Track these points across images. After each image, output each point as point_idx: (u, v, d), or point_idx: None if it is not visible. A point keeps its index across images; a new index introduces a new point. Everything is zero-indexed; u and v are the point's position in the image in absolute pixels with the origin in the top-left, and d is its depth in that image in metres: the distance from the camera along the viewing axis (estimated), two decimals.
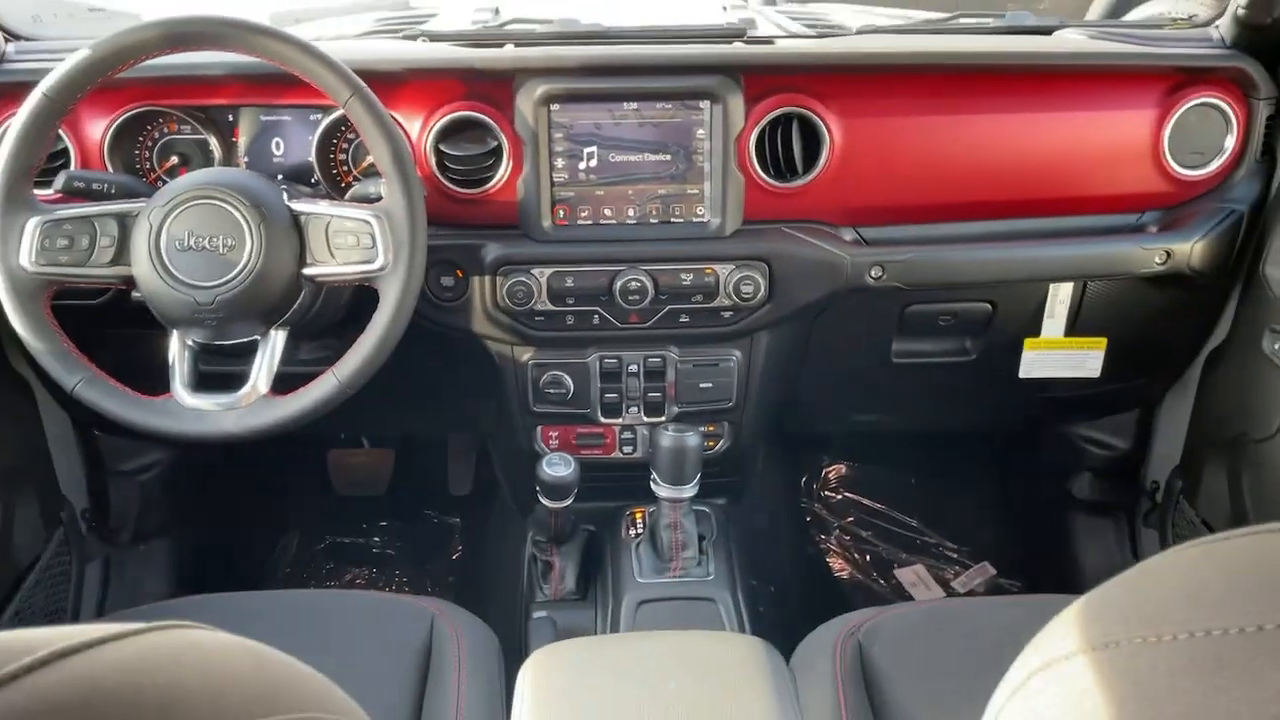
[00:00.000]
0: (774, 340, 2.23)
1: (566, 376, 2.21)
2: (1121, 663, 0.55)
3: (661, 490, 2.12)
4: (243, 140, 2.07)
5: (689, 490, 2.11)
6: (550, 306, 2.10)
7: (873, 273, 2.13)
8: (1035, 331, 2.32)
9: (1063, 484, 2.83)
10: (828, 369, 2.42)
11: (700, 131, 2.05)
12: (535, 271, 2.06)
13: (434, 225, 1.86)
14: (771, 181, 2.07)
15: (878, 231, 2.15)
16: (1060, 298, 2.25)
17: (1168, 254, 2.12)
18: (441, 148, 2.00)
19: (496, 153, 2.01)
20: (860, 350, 2.40)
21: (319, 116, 2.04)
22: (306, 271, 1.79)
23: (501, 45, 2.03)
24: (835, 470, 3.51)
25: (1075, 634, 0.59)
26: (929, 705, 1.57)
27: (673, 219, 2.09)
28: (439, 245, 1.95)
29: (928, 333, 2.34)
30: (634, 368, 2.24)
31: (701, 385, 2.25)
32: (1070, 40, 2.20)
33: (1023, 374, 2.35)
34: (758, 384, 2.26)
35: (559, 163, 2.02)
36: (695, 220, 2.09)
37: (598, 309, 2.12)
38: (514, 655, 1.80)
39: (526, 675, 1.60)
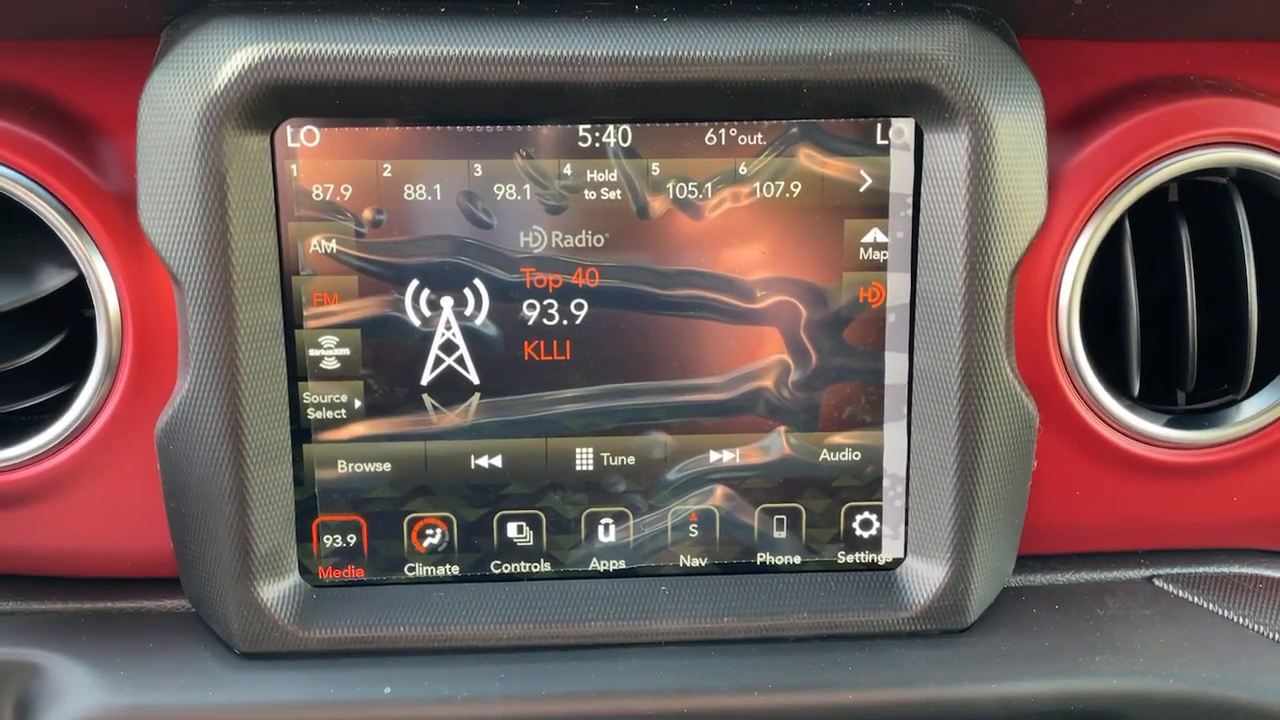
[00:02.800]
0: None
1: None
2: None
3: None
4: None
5: None
6: None
7: None
8: None
9: None
10: None
11: (870, 239, 0.65)
12: None
13: None
14: (1138, 421, 0.70)
15: None
16: None
17: None
18: None
19: (67, 315, 0.70)
20: None
21: None
22: None
23: None
24: None
25: None
26: None
27: (763, 555, 0.71)
28: None
29: None
30: None
31: None
32: None
33: None
34: None
35: (325, 343, 0.64)
36: (850, 561, 0.70)
37: None
38: None
39: None
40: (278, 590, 0.64)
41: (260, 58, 0.57)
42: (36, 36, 0.64)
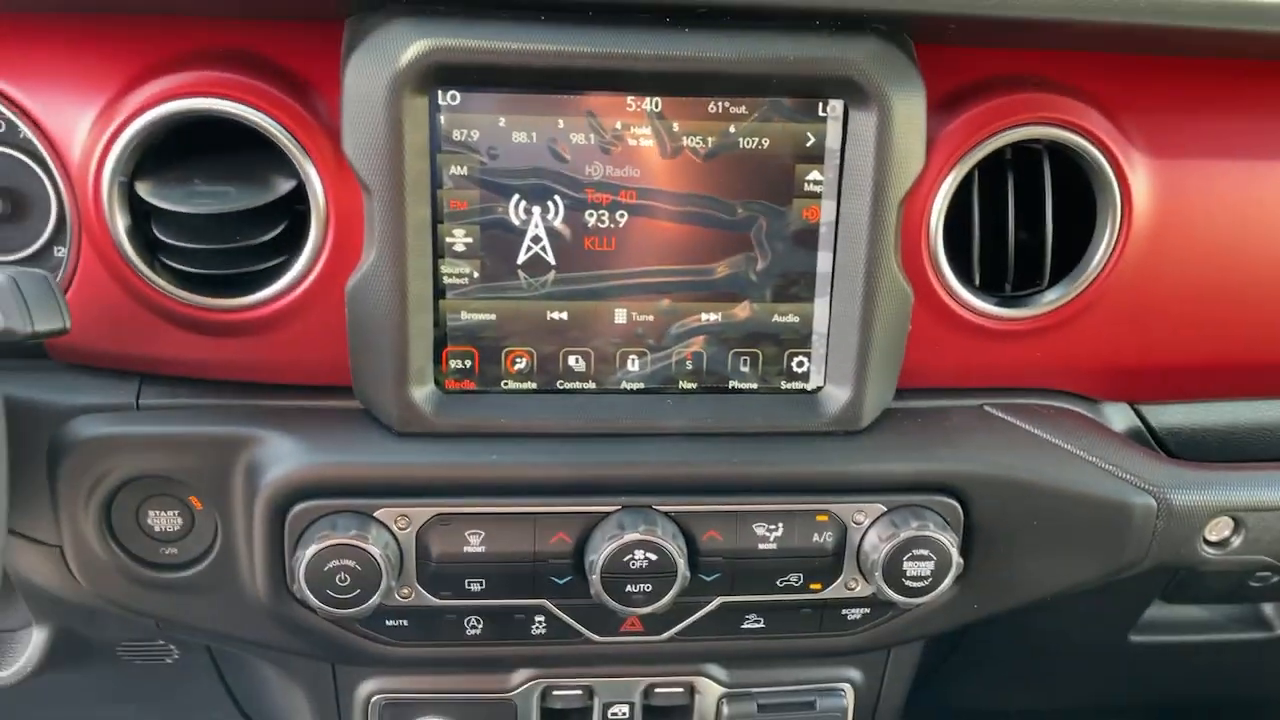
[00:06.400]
0: (929, 648, 1.29)
1: None
2: None
3: None
4: None
5: None
6: (427, 599, 1.00)
7: (1210, 534, 1.00)
8: None
9: None
10: (1006, 657, 1.49)
11: (812, 177, 0.93)
12: (387, 512, 0.97)
13: (112, 369, 0.99)
14: (977, 302, 1.00)
15: (1184, 414, 1.10)
16: None
17: None
18: (141, 190, 0.92)
19: (287, 209, 0.95)
20: (1079, 625, 1.42)
21: None
22: None
23: None
24: None
25: None
26: None
27: (734, 382, 0.99)
28: (133, 435, 0.97)
29: (1213, 596, 1.40)
30: (622, 711, 1.16)
31: None
32: None
33: None
34: None
35: (457, 233, 0.91)
36: (789, 387, 0.98)
37: (544, 605, 1.02)
38: None
39: None
40: (422, 393, 0.93)
41: (428, 47, 0.83)
42: (255, 17, 0.91)
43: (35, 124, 0.89)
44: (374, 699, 1.12)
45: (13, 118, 0.89)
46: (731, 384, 0.98)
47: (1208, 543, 1.01)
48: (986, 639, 1.39)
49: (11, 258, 0.93)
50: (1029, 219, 0.98)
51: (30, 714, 1.44)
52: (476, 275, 0.92)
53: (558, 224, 0.92)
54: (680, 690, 1.13)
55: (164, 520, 0.97)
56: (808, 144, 0.92)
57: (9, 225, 0.93)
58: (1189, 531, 1.00)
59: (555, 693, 1.12)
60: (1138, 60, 0.99)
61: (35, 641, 1.14)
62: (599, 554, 0.93)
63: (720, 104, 0.90)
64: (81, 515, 0.95)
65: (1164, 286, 1.00)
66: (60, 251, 0.93)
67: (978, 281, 0.99)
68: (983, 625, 1.12)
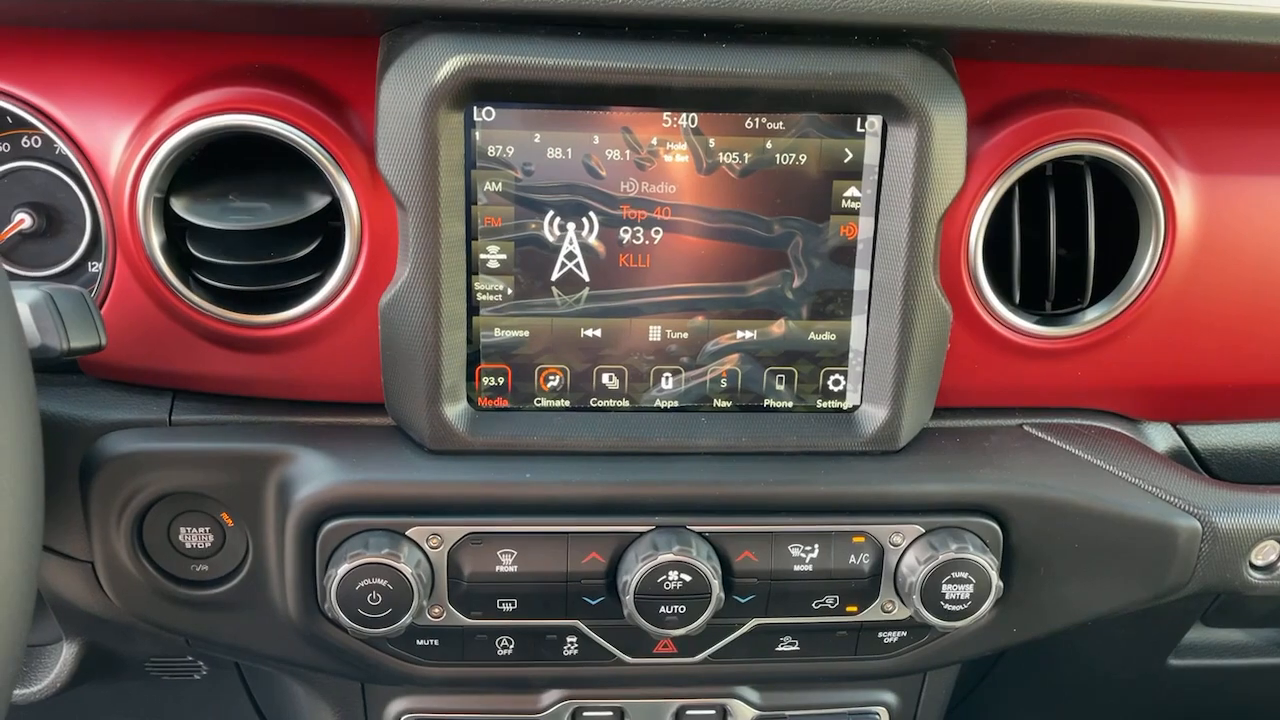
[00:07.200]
0: (965, 671, 1.27)
1: None
2: None
3: None
4: None
5: None
6: (458, 618, 0.98)
7: (1257, 558, 1.00)
8: None
9: None
10: (1043, 681, 1.47)
11: (850, 193, 0.93)
12: (419, 530, 0.95)
13: (145, 385, 0.99)
14: (1017, 320, 0.98)
15: (1228, 435, 1.08)
16: None
17: None
18: (176, 206, 0.91)
19: (322, 226, 0.94)
20: (1117, 648, 1.38)
21: None
22: None
23: None
24: None
25: None
26: None
27: (769, 400, 0.99)
28: (166, 452, 0.96)
29: (1255, 619, 1.38)
30: None
31: None
32: None
33: None
34: None
35: (491, 250, 0.91)
36: (825, 406, 0.98)
37: (576, 625, 1.00)
38: None
39: None
40: (455, 411, 0.92)
41: (463, 63, 0.83)
42: (290, 33, 0.91)
43: (71, 139, 0.89)
44: (403, 718, 1.11)
45: (49, 133, 0.89)
46: (767, 402, 0.97)
47: (1254, 567, 0.99)
48: (1023, 662, 1.37)
49: (46, 273, 0.93)
50: (1069, 236, 0.97)
51: None
52: (510, 292, 0.91)
53: (592, 240, 0.91)
54: (712, 713, 1.11)
55: (195, 537, 0.96)
56: (845, 160, 0.90)
57: (44, 240, 0.93)
58: (1235, 555, 0.98)
59: (586, 714, 1.11)
60: (1181, 75, 0.97)
61: (65, 657, 1.14)
62: (632, 575, 0.91)
63: (757, 120, 0.89)
64: (113, 531, 0.94)
65: (1208, 305, 0.98)
66: (95, 267, 0.93)
67: (1016, 299, 0.97)
68: (1020, 648, 1.10)
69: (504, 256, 0.90)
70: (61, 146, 0.89)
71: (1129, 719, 1.61)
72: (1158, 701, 1.48)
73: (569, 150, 0.88)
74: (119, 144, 0.88)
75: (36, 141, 0.92)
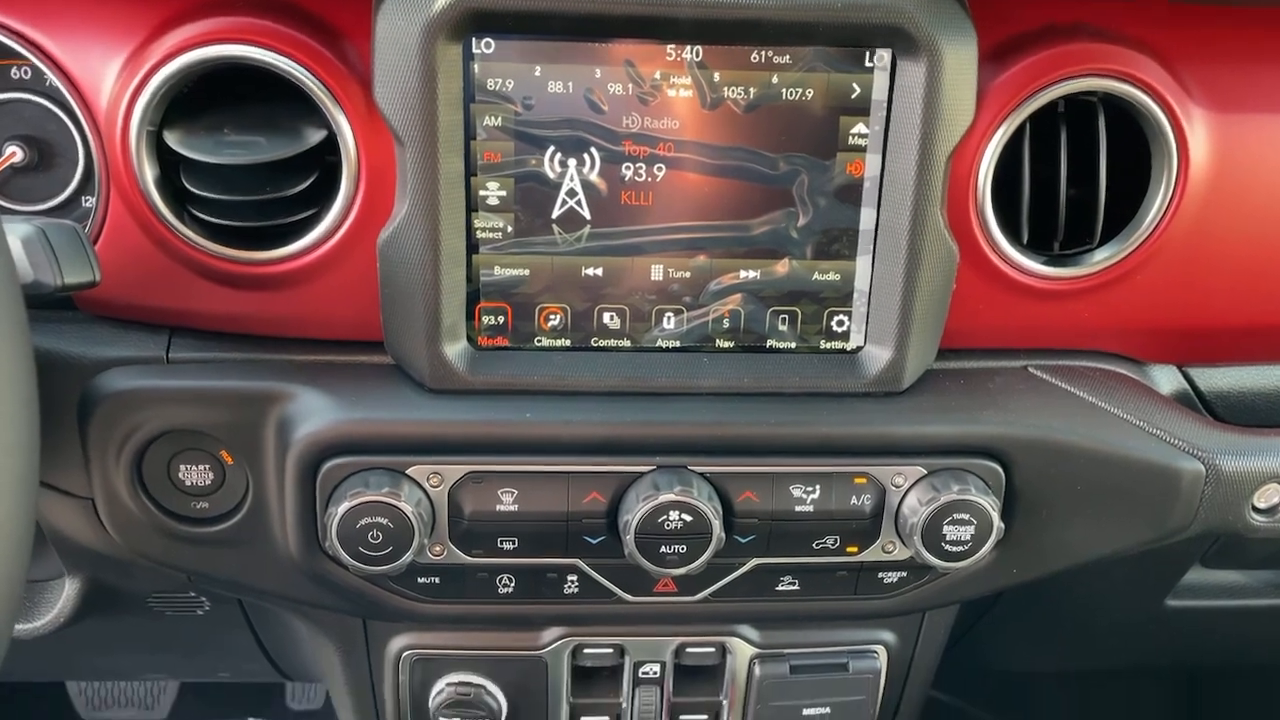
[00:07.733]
0: (964, 610, 1.28)
1: (492, 689, 1.13)
2: None
3: None
4: None
5: None
6: (459, 557, 0.99)
7: (1260, 501, 1.00)
8: None
9: None
10: (1041, 620, 1.48)
11: (857, 130, 0.91)
12: (419, 469, 0.95)
13: (141, 322, 0.98)
14: (1025, 261, 0.97)
15: (1233, 378, 1.07)
16: None
17: None
18: (170, 140, 0.89)
19: (317, 160, 0.92)
20: (1116, 589, 1.39)
21: None
22: None
23: None
24: None
25: None
26: None
27: (772, 340, 0.97)
28: (163, 389, 0.95)
29: (1254, 561, 1.38)
30: (652, 670, 1.12)
31: (806, 712, 1.16)
32: None
33: None
34: (918, 691, 1.26)
35: (490, 186, 0.89)
36: (828, 347, 0.97)
37: (577, 564, 1.01)
38: None
39: None
40: (455, 350, 0.91)
41: None
42: None
43: (61, 70, 0.87)
44: (405, 654, 1.12)
45: (39, 64, 0.87)
46: (770, 343, 0.96)
47: (1257, 510, 0.99)
48: (1022, 602, 1.38)
49: (39, 207, 0.92)
50: (1078, 175, 0.95)
51: (69, 659, 1.45)
52: (510, 229, 0.90)
53: (593, 177, 0.89)
54: (712, 650, 1.12)
55: (195, 474, 0.96)
56: (853, 96, 0.89)
57: (36, 174, 0.91)
58: (1237, 498, 0.98)
59: (586, 651, 1.11)
60: (1197, 10, 0.95)
61: (67, 592, 1.15)
62: (633, 514, 0.91)
63: (763, 53, 0.87)
64: (112, 468, 0.94)
65: (1218, 245, 0.97)
66: (88, 201, 0.91)
67: (1025, 239, 0.95)
68: (1018, 587, 1.10)
69: (504, 193, 0.89)
70: (51, 78, 0.87)
71: (1126, 658, 1.63)
72: (1155, 641, 1.49)
73: (570, 84, 0.86)
74: (110, 75, 0.86)
75: (26, 72, 0.90)
